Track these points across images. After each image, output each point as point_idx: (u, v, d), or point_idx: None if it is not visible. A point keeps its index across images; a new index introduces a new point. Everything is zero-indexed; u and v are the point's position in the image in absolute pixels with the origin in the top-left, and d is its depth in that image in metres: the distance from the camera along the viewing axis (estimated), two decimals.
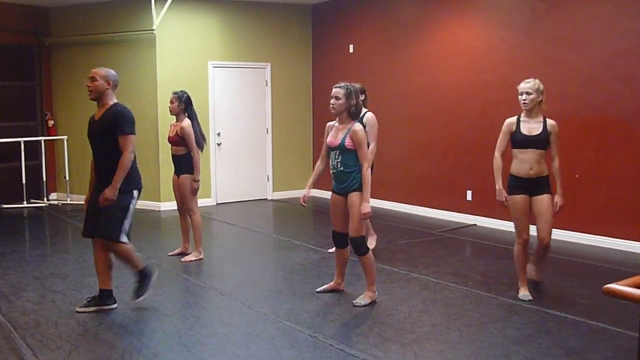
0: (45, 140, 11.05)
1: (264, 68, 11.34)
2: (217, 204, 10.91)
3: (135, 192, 5.27)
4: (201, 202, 10.66)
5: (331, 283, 5.89)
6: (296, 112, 11.76)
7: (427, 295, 5.77)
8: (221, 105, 10.93)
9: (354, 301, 5.50)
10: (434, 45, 9.52)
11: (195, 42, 10.69)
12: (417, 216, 9.68)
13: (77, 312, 5.30)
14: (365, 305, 5.44)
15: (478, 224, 8.91)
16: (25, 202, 10.63)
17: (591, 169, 7.68)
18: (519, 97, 5.52)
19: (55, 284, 6.15)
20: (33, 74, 11.20)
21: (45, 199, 11.04)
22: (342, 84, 5.44)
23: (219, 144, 10.93)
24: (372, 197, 10.54)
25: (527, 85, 5.51)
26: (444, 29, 9.38)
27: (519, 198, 5.52)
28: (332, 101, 5.41)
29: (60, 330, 4.89)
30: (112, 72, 5.30)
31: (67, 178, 11.01)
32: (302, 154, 11.82)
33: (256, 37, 11.22)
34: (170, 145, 7.06)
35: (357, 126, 5.39)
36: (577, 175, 7.72)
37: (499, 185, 5.64)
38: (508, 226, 7.99)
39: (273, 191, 11.46)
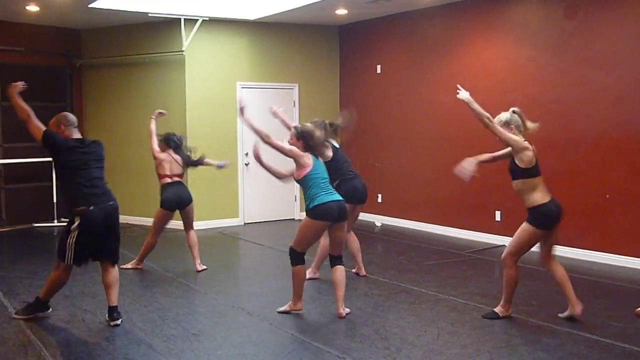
0: None
1: (292, 89, 11.40)
2: (245, 224, 10.94)
3: (78, 218, 5.37)
4: (229, 222, 10.79)
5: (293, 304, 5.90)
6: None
7: (456, 317, 5.72)
8: None
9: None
10: (461, 66, 9.51)
11: (223, 63, 10.80)
12: (446, 237, 9.62)
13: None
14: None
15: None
16: (55, 220, 10.75)
17: (622, 190, 7.60)
18: None
19: (85, 303, 6.20)
20: (64, 95, 11.36)
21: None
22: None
23: (246, 164, 10.98)
24: (399, 217, 10.62)
25: None
26: (471, 49, 9.38)
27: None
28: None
29: (90, 349, 4.94)
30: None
31: None
32: None
33: (284, 58, 11.30)
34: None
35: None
36: (607, 196, 7.64)
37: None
38: (535, 247, 7.93)
39: (300, 211, 11.45)
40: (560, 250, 5.54)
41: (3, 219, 10.62)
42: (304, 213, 5.68)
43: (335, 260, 5.75)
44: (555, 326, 5.38)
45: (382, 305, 6.08)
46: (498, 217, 9.03)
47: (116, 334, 5.26)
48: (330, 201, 5.53)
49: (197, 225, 10.25)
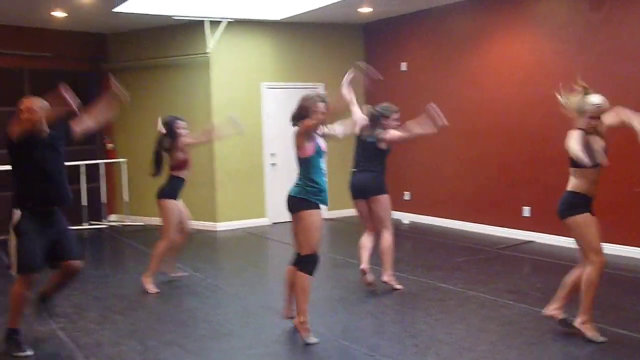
0: (104, 163, 11.31)
1: (317, 88, 11.39)
2: (273, 223, 10.96)
3: (17, 212, 4.88)
4: (256, 221, 10.82)
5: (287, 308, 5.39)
6: None
7: (485, 313, 5.69)
8: (274, 125, 10.99)
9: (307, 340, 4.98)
10: (487, 60, 9.45)
11: (248, 64, 10.83)
12: (474, 233, 9.56)
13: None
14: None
15: (536, 240, 8.75)
16: (85, 223, 10.87)
17: None
18: (595, 118, 5.11)
19: (116, 305, 6.27)
20: (92, 100, 11.44)
21: (105, 220, 11.27)
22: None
23: (273, 164, 11.00)
24: (427, 214, 10.51)
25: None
26: (497, 44, 9.31)
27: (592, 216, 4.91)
28: (322, 117, 5.21)
29: (121, 350, 4.99)
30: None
31: (127, 200, 11.22)
32: None
33: (309, 57, 11.29)
34: (180, 170, 6.84)
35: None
36: (638, 189, 7.55)
37: None
38: (567, 242, 7.85)
39: (328, 210, 11.45)
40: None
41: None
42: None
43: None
44: None
45: (410, 302, 6.07)
46: (527, 213, 8.95)
47: (147, 335, 5.31)
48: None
49: (224, 225, 10.38)
